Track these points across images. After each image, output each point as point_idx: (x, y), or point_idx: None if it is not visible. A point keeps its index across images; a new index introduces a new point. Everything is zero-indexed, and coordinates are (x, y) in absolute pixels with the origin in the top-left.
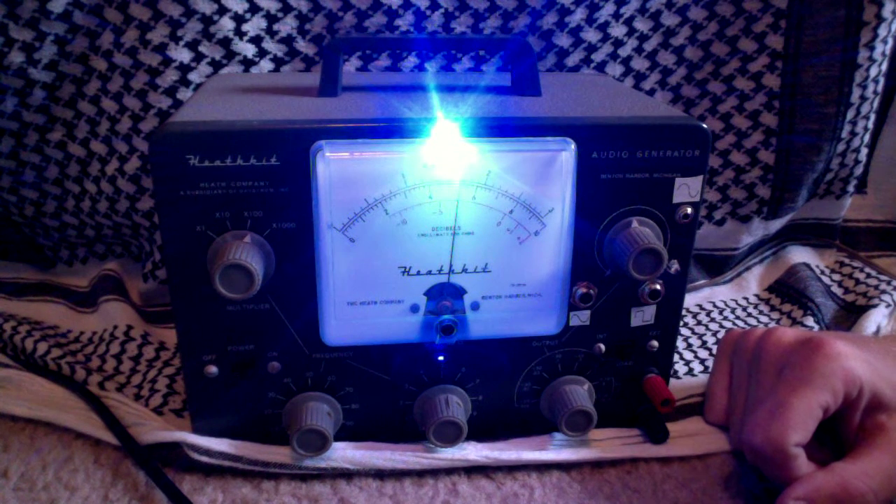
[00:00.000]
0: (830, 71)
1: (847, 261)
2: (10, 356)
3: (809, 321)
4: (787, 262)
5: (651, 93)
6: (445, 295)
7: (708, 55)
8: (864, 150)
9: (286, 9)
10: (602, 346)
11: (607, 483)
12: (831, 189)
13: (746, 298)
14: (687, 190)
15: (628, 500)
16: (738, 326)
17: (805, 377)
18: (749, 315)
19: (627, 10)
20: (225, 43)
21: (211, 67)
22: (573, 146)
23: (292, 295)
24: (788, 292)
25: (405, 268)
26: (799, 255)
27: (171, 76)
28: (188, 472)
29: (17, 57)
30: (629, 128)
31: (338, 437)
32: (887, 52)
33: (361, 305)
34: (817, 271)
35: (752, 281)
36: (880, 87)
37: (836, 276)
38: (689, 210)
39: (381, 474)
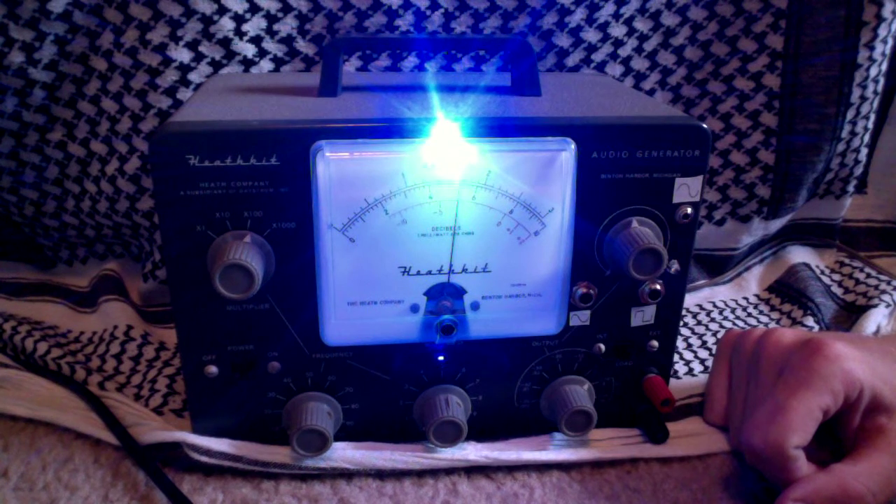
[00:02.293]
0: (830, 71)
1: (847, 261)
2: (10, 356)
3: (809, 321)
4: (787, 262)
5: (651, 93)
6: (445, 295)
7: (708, 55)
8: (864, 150)
9: (286, 9)
10: (602, 346)
11: (607, 483)
12: (831, 189)
13: (746, 298)
14: (687, 190)
15: (628, 500)
16: (738, 326)
17: (805, 379)
18: (749, 315)
19: (627, 10)
20: (225, 43)
21: (211, 67)
22: (573, 146)
23: (292, 295)
24: (788, 292)
25: (405, 268)
26: (799, 255)
27: (171, 76)
28: (188, 472)
29: (17, 57)
30: (629, 128)
31: (338, 437)
32: (887, 52)
33: (361, 305)
34: (817, 271)
35: (752, 281)
36: (880, 87)
37: (836, 276)
38: (689, 210)
39: (381, 474)
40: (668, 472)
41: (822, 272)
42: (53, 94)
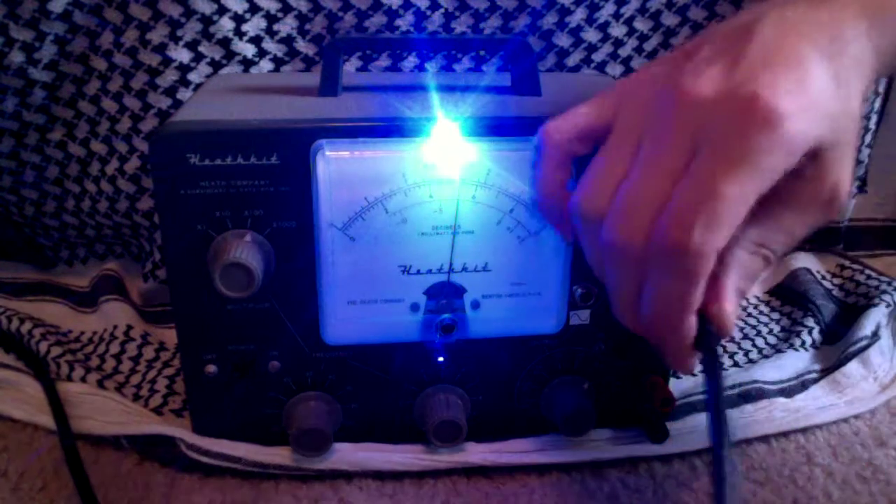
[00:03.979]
0: None
1: (847, 263)
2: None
3: (810, 321)
4: (788, 266)
5: None
6: (445, 294)
7: None
8: (866, 151)
9: (286, 9)
10: (602, 346)
11: (607, 483)
12: None
13: (747, 300)
14: None
15: (628, 500)
16: (737, 327)
17: (736, 157)
18: (749, 315)
19: (627, 10)
20: (225, 43)
21: (211, 67)
22: None
23: (293, 294)
24: (790, 295)
25: (405, 267)
26: (800, 260)
27: (171, 76)
28: (187, 471)
29: (17, 57)
30: None
31: (338, 438)
32: None
33: (362, 304)
34: (818, 276)
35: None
36: (881, 87)
37: (837, 280)
38: None
39: (380, 475)
40: (668, 472)
41: (824, 277)
42: (53, 93)
